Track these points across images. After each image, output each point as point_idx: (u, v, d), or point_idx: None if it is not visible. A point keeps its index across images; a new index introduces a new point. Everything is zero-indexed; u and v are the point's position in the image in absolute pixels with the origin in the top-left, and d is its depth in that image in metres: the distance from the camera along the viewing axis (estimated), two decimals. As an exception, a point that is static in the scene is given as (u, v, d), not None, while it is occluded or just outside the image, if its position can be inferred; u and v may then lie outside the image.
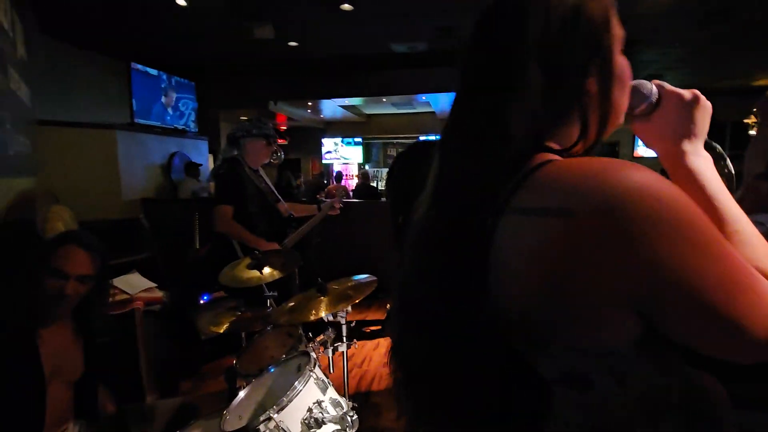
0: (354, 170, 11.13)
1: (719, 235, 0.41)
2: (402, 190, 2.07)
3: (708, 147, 0.60)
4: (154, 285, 2.90)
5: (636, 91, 0.59)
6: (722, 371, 0.45)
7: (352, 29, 4.89)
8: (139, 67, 5.33)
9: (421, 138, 9.71)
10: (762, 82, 7.30)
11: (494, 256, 0.45)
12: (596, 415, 0.44)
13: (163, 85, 5.71)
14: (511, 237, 0.44)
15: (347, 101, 8.56)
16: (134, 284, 2.81)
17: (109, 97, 5.49)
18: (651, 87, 0.61)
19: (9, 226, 2.49)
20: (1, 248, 2.35)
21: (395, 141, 11.33)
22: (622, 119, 0.56)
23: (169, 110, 5.82)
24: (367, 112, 10.74)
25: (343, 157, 11.14)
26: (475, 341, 0.47)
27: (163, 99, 5.71)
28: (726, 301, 0.39)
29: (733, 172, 0.63)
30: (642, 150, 8.91)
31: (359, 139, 11.05)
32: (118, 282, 2.76)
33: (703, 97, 0.59)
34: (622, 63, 0.54)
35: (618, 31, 0.53)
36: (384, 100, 8.64)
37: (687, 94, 0.60)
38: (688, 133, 0.58)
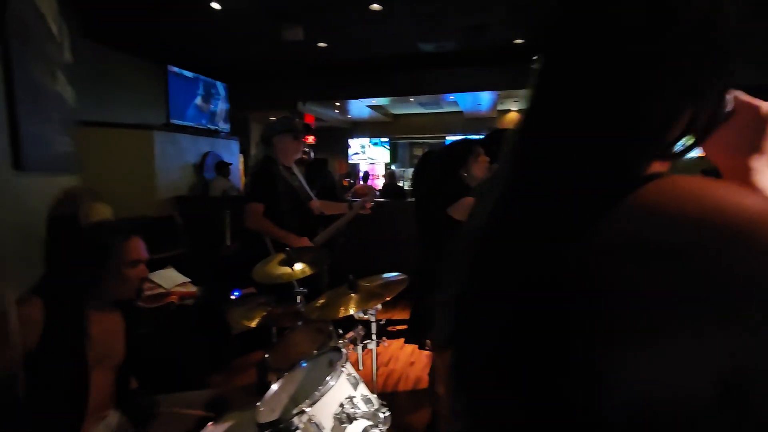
0: (380, 170, 11.17)
1: None
2: (422, 190, 2.08)
3: None
4: (188, 280, 3.00)
5: None
6: None
7: (381, 29, 4.91)
8: (175, 69, 5.52)
9: (448, 138, 9.65)
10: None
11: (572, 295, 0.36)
12: None
13: (197, 87, 5.90)
14: (602, 280, 0.34)
15: (374, 101, 8.59)
16: (170, 279, 2.91)
17: (146, 98, 5.72)
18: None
19: (54, 221, 2.62)
20: (50, 242, 2.47)
21: (422, 141, 11.29)
22: None
23: (203, 111, 6.00)
24: (394, 112, 10.75)
25: (370, 157, 11.19)
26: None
27: (197, 100, 5.90)
28: None
29: None
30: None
31: (386, 140, 11.07)
32: (155, 276, 2.87)
33: None
34: None
35: None
36: (411, 99, 8.62)
37: (765, 106, 0.54)
38: (761, 148, 0.53)
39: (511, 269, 0.41)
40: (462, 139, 2.04)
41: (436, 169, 2.00)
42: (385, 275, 1.77)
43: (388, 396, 2.64)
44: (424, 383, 2.66)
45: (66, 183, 3.22)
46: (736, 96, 0.55)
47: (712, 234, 0.31)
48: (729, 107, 0.52)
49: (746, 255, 0.30)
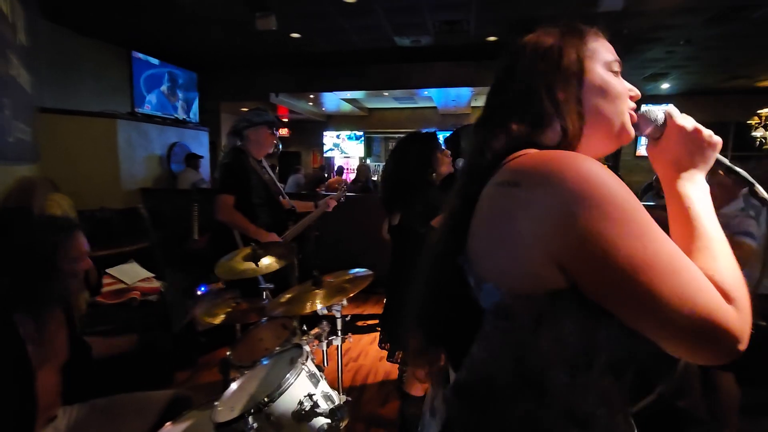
0: (355, 164, 11.11)
1: (649, 221, 0.48)
2: (389, 182, 2.06)
3: (730, 171, 0.66)
4: (151, 275, 2.91)
5: (643, 117, 0.66)
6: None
7: (356, 22, 4.86)
8: (141, 56, 5.31)
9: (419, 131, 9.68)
10: (767, 83, 7.24)
11: (476, 216, 0.58)
12: (514, 344, 0.53)
13: (164, 75, 5.69)
14: (483, 201, 0.58)
15: (349, 94, 8.52)
16: (132, 274, 2.81)
17: (110, 85, 5.47)
18: (658, 113, 0.66)
19: (6, 212, 2.48)
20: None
21: (396, 135, 11.29)
22: (617, 128, 0.64)
23: (170, 100, 5.80)
24: (369, 106, 10.70)
25: (344, 151, 11.11)
26: (449, 273, 0.60)
27: (163, 89, 5.69)
28: (639, 277, 0.46)
29: (766, 196, 0.63)
30: (643, 149, 8.88)
31: (360, 134, 11.02)
32: (116, 271, 2.77)
33: (707, 133, 0.64)
34: (602, 77, 0.64)
35: (606, 56, 0.65)
36: (386, 94, 8.59)
37: (689, 127, 0.64)
38: (685, 163, 0.64)
39: (455, 197, 0.65)
40: (426, 138, 1.97)
41: (401, 170, 1.93)
42: (352, 271, 1.76)
43: (356, 390, 2.64)
44: (394, 377, 2.68)
45: (22, 172, 3.05)
46: (669, 114, 0.67)
47: (525, 175, 0.53)
48: (660, 123, 0.67)
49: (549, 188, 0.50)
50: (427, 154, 1.88)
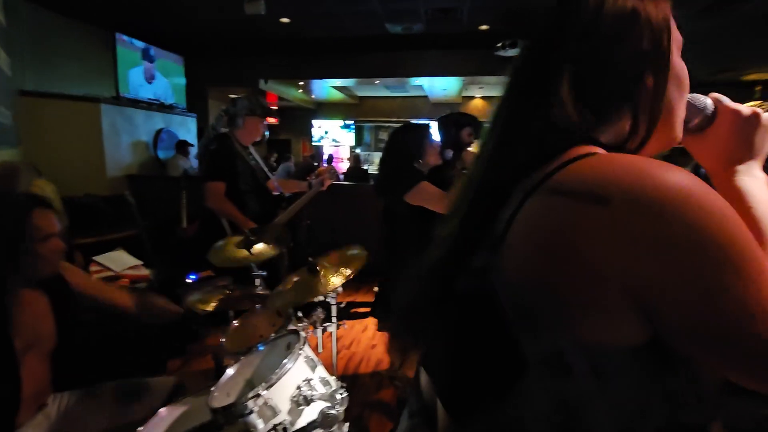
0: (345, 153, 11.05)
1: (758, 253, 0.38)
2: (380, 170, 2.07)
3: None
4: (140, 263, 2.86)
5: (689, 104, 0.56)
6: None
7: (347, 7, 4.78)
8: (125, 38, 5.16)
9: (412, 122, 9.65)
10: (753, 77, 7.36)
11: (513, 229, 0.45)
12: (565, 408, 0.42)
13: (149, 59, 5.54)
14: (534, 213, 0.44)
15: (339, 82, 8.43)
16: (119, 262, 2.77)
17: (93, 68, 5.31)
18: (705, 100, 0.58)
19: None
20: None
21: (387, 124, 11.24)
22: (679, 127, 0.53)
23: (157, 85, 5.67)
24: (360, 94, 10.61)
25: (335, 139, 11.03)
26: (470, 302, 0.47)
27: (149, 73, 5.55)
28: (748, 326, 0.37)
29: None
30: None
31: (351, 122, 10.94)
32: (103, 259, 2.72)
33: (765, 116, 0.56)
34: (681, 65, 0.52)
35: (677, 35, 0.52)
36: (377, 82, 8.52)
37: (746, 110, 0.57)
38: (743, 154, 0.56)
39: (476, 197, 0.52)
40: (417, 128, 2.01)
41: (392, 159, 1.97)
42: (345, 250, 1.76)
43: (349, 378, 2.66)
44: (386, 365, 2.69)
45: (3, 157, 2.97)
46: (718, 100, 0.58)
47: (618, 191, 0.39)
48: (710, 111, 0.58)
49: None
50: (415, 143, 1.89)
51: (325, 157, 9.71)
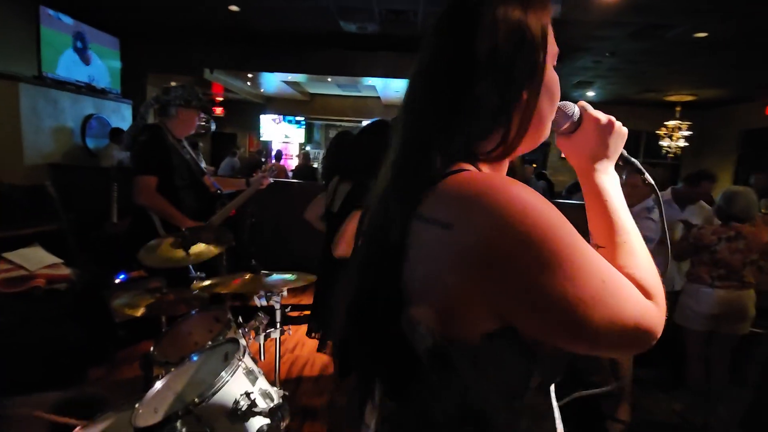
0: (294, 150, 10.78)
1: (578, 250, 0.46)
2: (332, 172, 2.02)
3: (627, 162, 0.69)
4: (59, 261, 2.59)
5: (560, 111, 0.64)
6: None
7: (301, 1, 4.65)
8: (51, 12, 4.67)
9: (364, 123, 9.61)
10: (674, 98, 8.06)
11: (407, 253, 0.52)
12: (454, 389, 0.51)
13: (78, 37, 5.06)
14: (414, 240, 0.51)
15: (290, 77, 8.20)
16: (35, 259, 2.49)
17: (12, 43, 4.75)
18: (574, 108, 0.66)
19: None
20: None
21: (338, 123, 11.12)
22: (547, 130, 0.60)
23: (85, 66, 5.18)
24: (311, 91, 10.40)
25: (285, 135, 10.73)
26: (380, 313, 0.54)
27: (78, 52, 5.07)
28: (573, 315, 0.45)
29: (653, 183, 0.70)
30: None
31: (302, 119, 10.70)
32: (14, 256, 2.43)
33: (617, 124, 0.66)
34: (553, 76, 0.58)
35: (552, 47, 0.58)
36: (329, 80, 8.39)
37: (603, 119, 0.66)
38: (600, 154, 0.65)
39: (375, 229, 0.58)
40: (376, 124, 1.96)
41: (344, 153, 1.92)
42: (290, 276, 1.68)
43: (292, 383, 2.57)
44: (332, 369, 2.63)
45: None
46: (584, 108, 0.67)
47: (458, 216, 0.47)
48: (576, 117, 0.67)
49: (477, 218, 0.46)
50: (375, 143, 1.85)
51: (274, 153, 9.42)
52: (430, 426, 0.54)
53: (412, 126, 0.57)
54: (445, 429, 0.53)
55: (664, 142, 8.32)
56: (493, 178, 0.50)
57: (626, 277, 0.51)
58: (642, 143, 9.39)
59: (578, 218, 0.59)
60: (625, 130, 0.67)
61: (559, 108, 0.63)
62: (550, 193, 6.05)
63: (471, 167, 0.54)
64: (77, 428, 1.22)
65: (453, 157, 0.53)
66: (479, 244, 0.45)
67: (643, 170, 0.69)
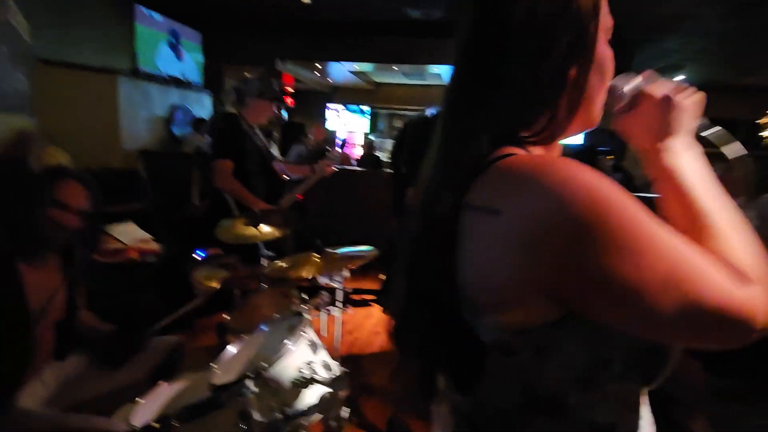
0: (358, 139, 10.97)
1: (647, 228, 0.42)
2: (414, 161, 2.03)
3: (703, 137, 0.62)
4: (149, 237, 2.88)
5: (613, 89, 0.59)
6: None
7: (368, -11, 4.69)
8: (144, 10, 5.12)
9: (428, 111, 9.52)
10: (781, 82, 7.10)
11: (459, 245, 0.51)
12: (521, 378, 0.50)
13: (168, 32, 5.51)
14: (465, 230, 0.50)
15: (357, 66, 8.33)
16: (130, 234, 2.79)
17: (111, 39, 5.28)
18: (628, 85, 0.60)
19: (2, 162, 2.43)
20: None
21: (402, 112, 11.12)
22: (597, 112, 0.56)
23: (173, 60, 5.64)
24: (377, 80, 10.48)
25: (348, 124, 10.96)
26: (440, 306, 0.53)
27: (167, 47, 5.53)
28: (641, 302, 0.42)
29: (738, 159, 0.62)
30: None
31: (367, 108, 10.83)
32: (114, 231, 2.74)
33: (676, 98, 0.59)
34: (604, 53, 0.54)
35: (606, 20, 0.53)
36: (395, 68, 8.40)
37: (657, 94, 0.59)
38: (662, 132, 0.59)
39: (427, 218, 0.55)
40: (425, 115, 1.95)
41: (402, 147, 1.93)
42: (353, 249, 1.73)
43: (351, 361, 2.66)
44: (388, 349, 2.69)
45: (17, 123, 2.98)
46: (639, 84, 0.61)
47: (507, 201, 0.45)
48: (631, 95, 0.60)
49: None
50: (426, 133, 1.84)
51: (339, 141, 9.65)
52: (500, 415, 0.52)
53: (454, 112, 0.55)
54: (516, 418, 0.51)
55: (767, 132, 7.38)
56: (543, 157, 0.48)
57: (715, 260, 0.45)
58: (741, 133, 8.39)
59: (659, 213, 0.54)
60: (690, 101, 0.59)
61: (611, 85, 0.58)
62: (628, 186, 5.62)
63: (519, 151, 0.51)
64: (161, 382, 1.37)
65: (498, 141, 0.51)
66: (529, 228, 0.43)
67: (722, 146, 0.62)
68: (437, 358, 0.57)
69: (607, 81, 0.56)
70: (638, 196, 0.43)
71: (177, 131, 5.45)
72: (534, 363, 0.48)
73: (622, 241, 0.41)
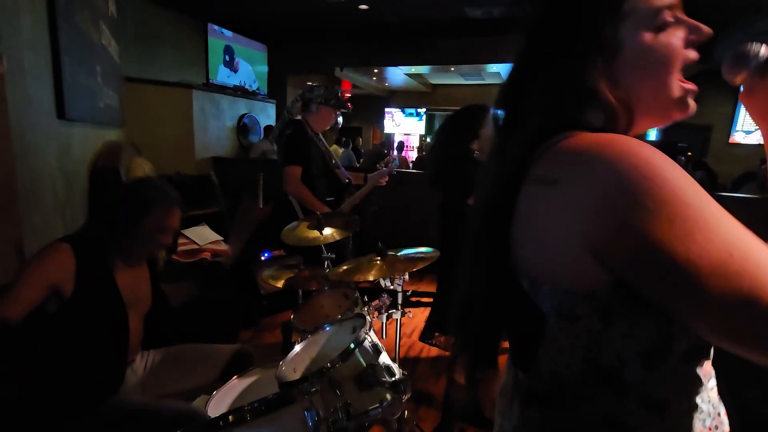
0: (414, 141, 10.98)
1: (704, 215, 0.41)
2: (432, 160, 1.97)
3: None
4: (220, 238, 3.07)
5: (737, 56, 0.53)
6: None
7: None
8: (216, 28, 5.49)
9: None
10: None
11: (517, 216, 0.52)
12: (584, 345, 0.49)
13: (237, 47, 5.86)
14: (522, 199, 0.51)
15: (413, 69, 8.34)
16: (203, 236, 2.98)
17: (187, 56, 5.73)
18: (756, 50, 0.53)
19: (97, 172, 2.70)
20: (92, 192, 2.56)
21: (460, 113, 10.96)
22: (665, 105, 0.53)
23: (241, 73, 5.98)
24: (433, 82, 10.44)
25: (403, 127, 11.00)
26: (499, 275, 0.55)
27: (236, 61, 5.88)
28: (702, 283, 0.39)
29: None
30: (739, 136, 7.93)
31: (422, 110, 10.82)
32: (189, 233, 2.95)
33: None
34: (646, 43, 0.51)
35: (644, 8, 0.51)
36: (452, 69, 8.32)
37: None
38: None
39: (488, 195, 0.58)
40: (470, 107, 1.85)
41: (445, 147, 1.85)
42: (414, 250, 1.72)
43: (409, 364, 2.66)
44: (446, 355, 2.65)
45: (109, 136, 3.31)
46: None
47: (564, 170, 0.47)
48: (760, 62, 0.54)
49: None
50: (470, 128, 1.76)
51: (396, 145, 9.72)
52: (565, 394, 0.52)
53: (510, 99, 0.58)
54: (580, 393, 0.51)
55: None
56: (603, 134, 0.47)
57: None
58: None
59: (747, 214, 0.49)
60: None
61: (735, 51, 0.53)
62: (711, 185, 5.12)
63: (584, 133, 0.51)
64: (234, 377, 1.45)
65: (558, 123, 0.51)
66: (586, 194, 0.44)
67: None
68: (498, 333, 0.60)
69: (663, 72, 0.52)
70: (723, 196, 0.39)
71: (244, 138, 5.78)
72: (598, 331, 0.48)
73: (674, 213, 0.40)
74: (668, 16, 0.51)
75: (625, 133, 0.51)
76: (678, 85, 0.52)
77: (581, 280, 0.47)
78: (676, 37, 0.52)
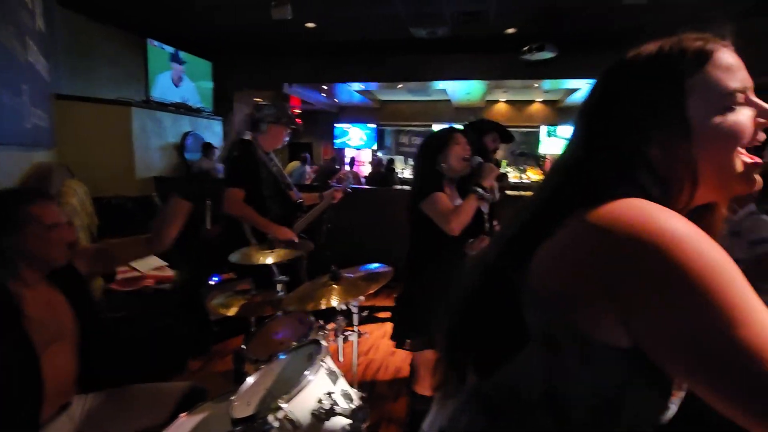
0: (366, 156, 11.07)
1: (741, 295, 0.41)
2: (413, 178, 2.04)
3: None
4: (165, 264, 2.91)
5: None
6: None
7: (372, 11, 4.79)
8: (156, 43, 5.29)
9: (435, 127, 9.58)
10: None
11: (551, 240, 0.52)
12: (551, 374, 0.51)
13: (178, 63, 5.67)
14: (566, 230, 0.51)
15: (362, 86, 8.46)
16: (146, 262, 2.82)
17: (125, 73, 5.46)
18: None
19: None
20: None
21: (408, 129, 11.22)
22: (728, 182, 0.53)
23: (184, 88, 5.79)
24: (382, 98, 10.62)
25: (361, 138, 11.07)
26: (496, 284, 0.56)
27: (178, 77, 5.68)
28: (719, 365, 0.41)
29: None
30: None
31: (373, 126, 10.97)
32: (130, 259, 2.78)
33: None
34: (718, 123, 0.52)
35: (714, 90, 0.52)
36: (399, 86, 8.52)
37: None
38: None
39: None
40: (444, 128, 1.98)
41: (415, 162, 1.98)
42: (368, 266, 1.73)
43: (367, 385, 2.63)
44: (405, 372, 2.66)
45: (39, 158, 3.07)
46: None
47: (618, 224, 0.46)
48: None
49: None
50: (436, 145, 1.86)
51: (347, 160, 9.74)
52: (513, 406, 0.54)
53: (583, 146, 0.58)
54: (527, 410, 0.53)
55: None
56: (648, 203, 0.47)
57: None
58: None
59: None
60: None
61: None
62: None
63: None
64: (182, 415, 1.36)
65: (620, 192, 0.50)
66: (635, 256, 0.44)
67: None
68: (476, 340, 0.60)
69: (729, 151, 0.52)
70: None
71: (189, 157, 5.56)
72: (570, 369, 0.49)
73: (716, 303, 0.41)
74: (741, 99, 0.52)
75: (686, 205, 0.52)
76: (741, 160, 0.52)
77: (587, 326, 0.48)
78: (745, 116, 0.52)
